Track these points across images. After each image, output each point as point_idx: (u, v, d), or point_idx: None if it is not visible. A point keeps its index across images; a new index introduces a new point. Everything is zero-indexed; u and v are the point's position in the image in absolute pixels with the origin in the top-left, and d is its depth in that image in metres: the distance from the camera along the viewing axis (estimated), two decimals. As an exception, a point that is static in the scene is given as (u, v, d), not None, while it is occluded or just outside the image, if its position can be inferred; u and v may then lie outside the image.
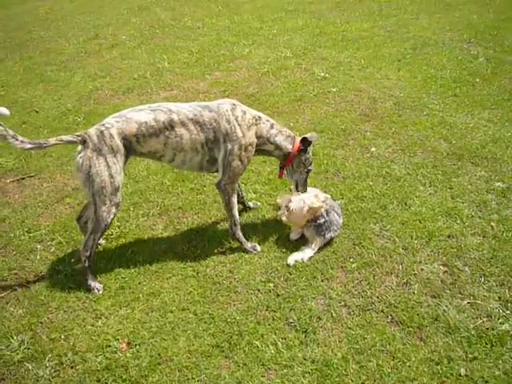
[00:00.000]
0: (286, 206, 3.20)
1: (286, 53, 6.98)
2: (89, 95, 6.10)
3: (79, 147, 2.84)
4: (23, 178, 4.35)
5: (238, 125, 2.99)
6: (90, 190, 2.83)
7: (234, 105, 3.06)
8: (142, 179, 4.17)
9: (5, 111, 2.72)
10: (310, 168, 3.34)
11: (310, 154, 3.32)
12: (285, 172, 3.39)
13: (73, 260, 3.28)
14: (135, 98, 5.88)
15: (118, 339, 2.68)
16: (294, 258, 3.10)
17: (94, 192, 2.82)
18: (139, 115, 2.88)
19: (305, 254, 3.12)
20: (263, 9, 9.84)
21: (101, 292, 3.01)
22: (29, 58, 7.94)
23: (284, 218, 3.21)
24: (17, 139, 2.70)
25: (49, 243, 3.48)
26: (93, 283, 3.03)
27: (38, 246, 3.45)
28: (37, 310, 2.91)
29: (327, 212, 3.15)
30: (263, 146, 3.18)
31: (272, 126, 3.17)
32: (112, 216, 2.93)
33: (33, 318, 2.85)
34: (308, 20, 8.64)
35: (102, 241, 3.41)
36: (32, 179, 4.34)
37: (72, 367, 2.55)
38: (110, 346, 2.64)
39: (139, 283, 3.06)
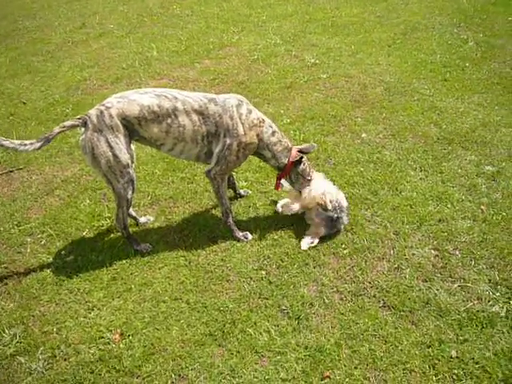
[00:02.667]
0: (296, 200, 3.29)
1: (276, 40, 6.92)
2: (77, 85, 6.01)
3: (82, 129, 2.83)
4: (11, 171, 4.29)
5: (241, 123, 2.95)
6: (99, 171, 2.88)
7: (241, 101, 3.02)
8: (132, 170, 4.13)
9: None
10: (309, 178, 3.26)
11: (307, 166, 3.24)
12: (282, 183, 3.34)
13: (64, 252, 3.26)
14: (124, 87, 5.80)
15: (110, 330, 2.68)
16: (306, 242, 3.11)
17: (104, 172, 2.86)
18: (142, 98, 2.84)
19: (313, 240, 3.14)
20: (252, -5, 9.71)
21: (149, 250, 3.20)
22: (15, 48, 7.80)
23: (302, 195, 3.25)
24: (25, 145, 2.77)
25: (39, 236, 3.45)
26: (139, 247, 3.20)
27: (28, 239, 3.42)
28: (28, 303, 2.89)
29: (341, 208, 3.15)
30: (262, 151, 3.14)
31: (273, 134, 3.11)
32: (130, 191, 2.97)
33: (24, 312, 2.83)
34: (297, 6, 8.56)
35: (150, 217, 3.52)
36: (21, 172, 4.28)
37: (65, 359, 2.55)
38: (103, 337, 2.64)
39: (131, 274, 3.05)
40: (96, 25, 8.66)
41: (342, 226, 3.21)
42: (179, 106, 2.87)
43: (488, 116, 4.47)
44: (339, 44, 6.56)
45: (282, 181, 3.33)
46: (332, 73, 5.68)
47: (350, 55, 6.16)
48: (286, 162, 3.17)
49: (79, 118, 2.81)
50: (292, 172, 3.23)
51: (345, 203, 3.20)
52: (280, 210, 3.40)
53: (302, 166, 3.21)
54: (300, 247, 3.10)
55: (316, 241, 3.13)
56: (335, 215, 3.11)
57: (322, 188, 3.17)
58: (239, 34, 7.35)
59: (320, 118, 4.67)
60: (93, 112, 2.80)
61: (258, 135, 3.04)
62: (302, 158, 3.18)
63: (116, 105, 2.79)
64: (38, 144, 2.79)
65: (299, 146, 3.22)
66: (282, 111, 4.86)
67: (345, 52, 6.27)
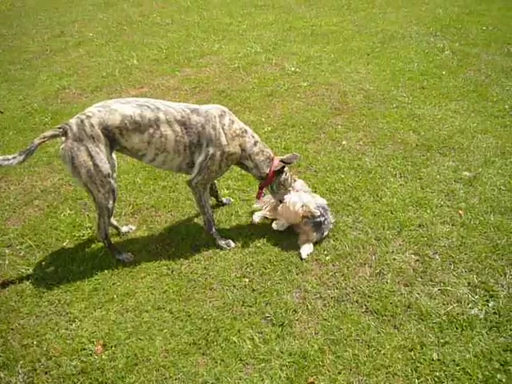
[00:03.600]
0: (279, 202, 3.28)
1: (257, 48, 6.98)
2: (55, 94, 5.94)
3: (62, 138, 2.79)
4: (-11, 181, 4.21)
5: (224, 133, 2.96)
6: (80, 180, 2.84)
7: (224, 112, 3.02)
8: (113, 179, 4.10)
9: None
10: (290, 188, 3.27)
11: (288, 176, 3.26)
12: (264, 192, 3.37)
13: (44, 263, 3.21)
14: (104, 96, 5.76)
15: (92, 342, 2.63)
16: (305, 251, 3.10)
17: (84, 182, 2.83)
18: (124, 107, 2.82)
19: (310, 247, 3.14)
20: (232, 4, 9.80)
21: (131, 259, 3.17)
22: (-9, 56, 7.68)
23: (278, 211, 3.24)
24: (8, 159, 2.71)
25: (18, 247, 3.38)
26: (121, 257, 3.16)
27: (7, 251, 3.35)
28: (7, 316, 2.83)
29: (325, 210, 3.17)
30: (244, 161, 3.15)
31: (255, 144, 3.12)
32: (111, 201, 2.94)
33: (3, 325, 2.77)
34: (278, 15, 8.66)
35: (132, 226, 3.49)
36: (-2, 182, 4.21)
37: (46, 373, 2.50)
38: (84, 349, 2.60)
39: (113, 284, 3.01)
40: (75, 33, 8.60)
41: (331, 225, 3.24)
42: (161, 116, 2.87)
43: (464, 123, 4.59)
44: (319, 52, 6.65)
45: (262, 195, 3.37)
46: (312, 81, 5.75)
47: (330, 63, 6.25)
48: (267, 171, 3.19)
49: (59, 128, 2.77)
50: (274, 182, 3.25)
51: (324, 202, 3.25)
52: (256, 220, 3.42)
53: (283, 175, 3.23)
54: (300, 257, 3.09)
55: (312, 247, 3.14)
56: (322, 218, 3.14)
57: (299, 201, 3.15)
58: (220, 43, 7.39)
59: (301, 126, 4.71)
60: (73, 121, 2.77)
61: (240, 145, 3.06)
62: (283, 167, 3.20)
63: (97, 114, 2.77)
64: (21, 157, 2.74)
65: (281, 157, 3.24)
66: (263, 119, 4.89)
67: (325, 60, 6.36)
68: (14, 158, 2.74)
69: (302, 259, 3.08)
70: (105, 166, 2.81)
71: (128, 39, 8.01)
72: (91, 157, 2.75)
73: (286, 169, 3.23)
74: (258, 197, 3.38)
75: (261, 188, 3.32)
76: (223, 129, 2.96)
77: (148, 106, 2.86)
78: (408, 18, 7.91)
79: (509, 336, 2.50)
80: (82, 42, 8.05)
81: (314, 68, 6.13)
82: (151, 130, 2.85)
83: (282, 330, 2.62)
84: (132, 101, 2.89)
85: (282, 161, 3.20)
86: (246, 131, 3.09)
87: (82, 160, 2.74)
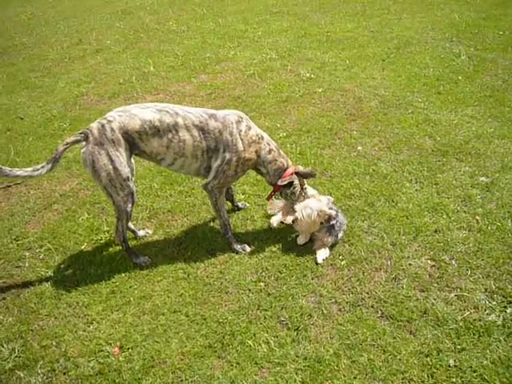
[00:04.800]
0: (289, 215, 3.29)
1: (272, 54, 7.02)
2: (74, 101, 6.07)
3: (83, 143, 2.86)
4: (9, 186, 4.31)
5: (241, 139, 2.99)
6: (99, 184, 2.91)
7: (241, 118, 3.06)
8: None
9: None
10: (301, 200, 3.24)
11: (297, 189, 3.23)
12: (275, 196, 3.40)
13: (62, 266, 3.27)
14: (122, 102, 5.86)
15: (110, 343, 2.68)
16: (321, 256, 3.11)
17: (104, 185, 2.89)
18: (144, 113, 2.88)
19: (326, 252, 3.14)
20: (248, 11, 9.88)
21: (148, 263, 3.20)
22: (12, 64, 7.88)
23: (297, 228, 3.23)
24: (38, 169, 2.84)
25: (37, 250, 3.45)
26: (138, 260, 3.19)
27: (27, 254, 3.42)
28: (27, 317, 2.89)
29: (337, 213, 3.16)
30: (259, 167, 3.18)
31: (270, 152, 3.12)
32: (130, 204, 3.00)
33: (23, 326, 2.83)
34: (292, 22, 8.70)
35: (149, 230, 3.53)
36: (18, 186, 4.30)
37: (64, 373, 2.54)
38: (102, 350, 2.64)
39: (130, 287, 3.05)
40: (93, 41, 8.77)
41: (344, 226, 3.23)
42: (180, 121, 2.92)
43: (481, 128, 4.55)
44: (334, 58, 6.66)
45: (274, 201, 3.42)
46: (327, 87, 5.76)
47: (345, 69, 6.26)
48: (276, 181, 3.19)
49: (81, 133, 2.85)
50: (282, 192, 3.27)
51: (331, 199, 3.24)
52: (274, 225, 3.42)
53: (291, 189, 3.22)
54: (316, 261, 3.09)
55: (327, 255, 3.14)
56: (334, 221, 3.12)
57: (311, 211, 3.10)
58: (235, 49, 7.46)
59: (316, 132, 4.73)
60: (94, 125, 2.84)
61: (256, 151, 3.08)
62: (291, 182, 3.17)
63: (118, 119, 2.83)
64: (49, 165, 2.86)
65: (299, 168, 3.23)
66: (278, 125, 4.92)
67: (339, 66, 6.37)
68: (42, 167, 2.85)
69: (317, 264, 3.08)
70: (124, 170, 2.86)
71: (145, 46, 8.13)
72: (111, 160, 2.81)
73: (295, 182, 3.19)
74: (268, 199, 3.42)
75: (270, 195, 3.36)
76: (240, 135, 2.99)
77: (167, 111, 2.92)
78: (423, 23, 7.87)
79: (527, 343, 2.47)
80: (100, 49, 8.20)
81: (329, 74, 6.14)
82: (170, 135, 2.90)
83: (298, 334, 2.63)
84: (151, 106, 2.94)
85: (297, 172, 3.18)
86: (262, 137, 3.12)
87: (102, 164, 2.80)
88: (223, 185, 3.12)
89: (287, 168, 3.20)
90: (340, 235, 3.21)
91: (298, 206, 3.18)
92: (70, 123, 5.38)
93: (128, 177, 2.90)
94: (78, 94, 6.26)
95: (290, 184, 3.19)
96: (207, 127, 2.96)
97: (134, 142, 2.88)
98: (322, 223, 3.14)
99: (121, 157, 2.84)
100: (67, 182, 4.30)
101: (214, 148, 2.99)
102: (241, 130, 3.00)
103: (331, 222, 3.12)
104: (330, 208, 3.14)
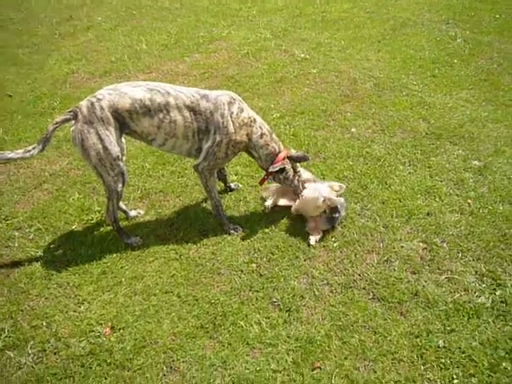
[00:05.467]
0: (283, 198, 3.28)
1: (266, 34, 6.90)
2: (64, 79, 5.93)
3: (73, 122, 2.80)
4: (-3, 164, 4.24)
5: (232, 121, 2.93)
6: (89, 163, 2.86)
7: (234, 99, 2.99)
8: (121, 163, 4.11)
9: None
10: (294, 184, 3.21)
11: (290, 174, 3.16)
12: (268, 180, 3.35)
13: (53, 246, 3.24)
14: (113, 81, 5.74)
15: (101, 324, 2.67)
16: (313, 238, 3.09)
17: (94, 164, 2.84)
18: (135, 91, 2.82)
19: (319, 234, 3.13)
20: (242, -11, 9.67)
21: (139, 243, 3.17)
22: None
23: (293, 207, 3.20)
24: (29, 151, 2.81)
25: (27, 230, 3.41)
26: (130, 240, 3.17)
27: (16, 234, 3.38)
28: (17, 297, 2.87)
29: (341, 206, 3.12)
30: (250, 150, 3.13)
31: (261, 136, 3.06)
32: (120, 184, 2.95)
33: (13, 306, 2.81)
34: (288, 1, 8.53)
35: (140, 211, 3.48)
36: (7, 165, 4.22)
37: (55, 353, 2.54)
38: (93, 331, 2.64)
39: (121, 267, 3.04)
40: (83, 17, 8.54)
41: (344, 209, 3.20)
42: (171, 101, 2.86)
43: (475, 112, 4.53)
44: (329, 39, 6.57)
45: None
46: (322, 68, 5.69)
47: (340, 50, 6.17)
48: (268, 166, 3.14)
49: (70, 111, 2.79)
50: (275, 177, 3.21)
51: (343, 187, 3.20)
52: (269, 208, 3.38)
53: (283, 174, 3.16)
54: (308, 243, 3.08)
55: (321, 233, 3.13)
56: (336, 215, 3.11)
57: (319, 196, 3.04)
58: (229, 28, 7.31)
59: (310, 113, 4.68)
60: (83, 103, 2.77)
61: (247, 134, 3.03)
62: (283, 168, 3.11)
63: (107, 97, 2.77)
64: (41, 146, 2.82)
65: (291, 152, 3.19)
66: (272, 105, 4.86)
67: (335, 47, 6.28)
68: (33, 148, 2.81)
69: (309, 245, 3.08)
70: (114, 149, 2.82)
71: (137, 24, 7.95)
72: (101, 139, 2.76)
73: (287, 167, 3.13)
74: (261, 183, 3.38)
75: (263, 178, 3.31)
76: (231, 117, 2.94)
77: (158, 91, 2.85)
78: (420, 4, 7.76)
79: (516, 325, 2.50)
80: (91, 26, 8.00)
81: (324, 55, 6.06)
82: (161, 115, 2.84)
83: (289, 315, 2.64)
84: (143, 84, 2.88)
85: (289, 157, 3.14)
86: (254, 121, 3.05)
87: (91, 142, 2.75)
88: (214, 166, 3.08)
89: (279, 153, 3.14)
90: (335, 225, 3.19)
91: (308, 185, 3.18)
92: (60, 101, 5.26)
93: (118, 156, 2.85)
94: (69, 72, 6.12)
95: (282, 170, 3.14)
96: (198, 108, 2.90)
97: (124, 121, 2.82)
98: (324, 212, 3.12)
99: (110, 136, 2.78)
100: (57, 161, 4.23)
101: (205, 129, 2.94)
102: (232, 112, 2.95)
103: (333, 215, 3.10)
104: (338, 203, 3.09)
